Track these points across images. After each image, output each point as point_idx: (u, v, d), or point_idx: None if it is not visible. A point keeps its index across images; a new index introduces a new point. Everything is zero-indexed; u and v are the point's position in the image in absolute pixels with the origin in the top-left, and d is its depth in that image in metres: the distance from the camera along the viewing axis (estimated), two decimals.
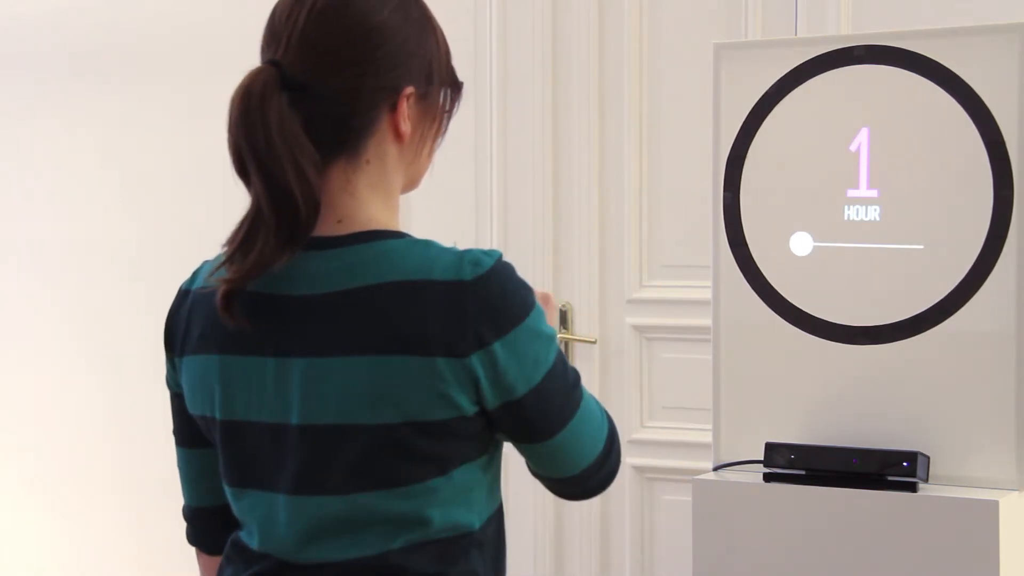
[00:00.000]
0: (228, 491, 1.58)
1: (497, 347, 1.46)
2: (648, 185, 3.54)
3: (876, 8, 3.21)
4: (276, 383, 1.51)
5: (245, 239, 1.48)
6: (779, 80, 2.48)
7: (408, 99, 1.54)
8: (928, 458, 2.35)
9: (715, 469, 2.53)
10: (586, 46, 3.60)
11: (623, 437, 3.41)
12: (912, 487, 2.33)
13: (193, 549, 1.72)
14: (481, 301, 1.46)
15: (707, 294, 2.59)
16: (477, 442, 1.52)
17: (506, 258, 1.51)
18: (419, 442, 1.47)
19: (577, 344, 3.62)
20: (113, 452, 4.24)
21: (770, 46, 2.68)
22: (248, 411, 1.52)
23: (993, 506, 2.25)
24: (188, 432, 1.64)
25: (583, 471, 1.58)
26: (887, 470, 2.34)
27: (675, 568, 3.46)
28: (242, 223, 1.49)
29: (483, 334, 1.46)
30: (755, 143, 2.50)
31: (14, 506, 4.42)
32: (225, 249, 1.50)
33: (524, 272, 1.56)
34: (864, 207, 2.42)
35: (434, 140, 1.61)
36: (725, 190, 2.52)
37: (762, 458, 2.44)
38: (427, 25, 1.58)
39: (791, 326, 2.47)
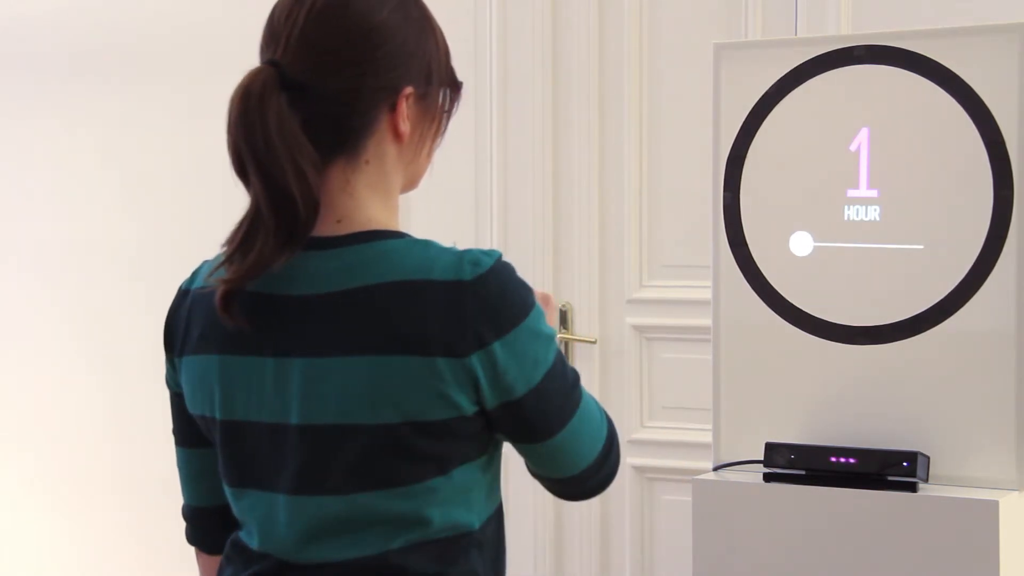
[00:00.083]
0: (228, 491, 1.58)
1: (497, 347, 1.46)
2: (648, 185, 3.54)
3: (876, 8, 3.21)
4: (275, 383, 1.51)
5: (244, 239, 1.48)
6: (779, 80, 2.48)
7: (407, 99, 1.54)
8: (928, 458, 2.35)
9: (715, 469, 2.53)
10: (586, 46, 3.60)
11: (623, 437, 3.41)
12: (912, 487, 2.33)
13: (193, 549, 1.72)
14: (481, 301, 1.46)
15: (707, 294, 2.59)
16: (477, 442, 1.52)
17: (506, 258, 1.51)
18: (419, 442, 1.47)
19: (577, 344, 3.62)
20: (113, 452, 4.24)
21: (770, 46, 2.68)
22: (248, 411, 1.52)
23: (993, 506, 2.25)
24: (188, 432, 1.64)
25: (582, 471, 1.58)
26: (887, 470, 2.34)
27: (675, 568, 3.46)
28: (241, 223, 1.49)
29: (483, 334, 1.46)
30: (755, 143, 2.50)
31: (14, 506, 4.42)
32: (224, 249, 1.50)
33: (524, 272, 1.56)
34: (864, 207, 2.42)
35: (433, 140, 1.61)
36: (725, 190, 2.52)
37: (762, 458, 2.44)
38: (426, 25, 1.58)
39: (791, 326, 2.47)
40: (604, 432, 1.59)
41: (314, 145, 1.49)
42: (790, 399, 2.48)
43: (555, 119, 3.65)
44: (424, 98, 1.57)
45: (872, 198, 2.42)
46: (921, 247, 2.39)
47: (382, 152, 1.55)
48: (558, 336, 3.04)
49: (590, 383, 3.56)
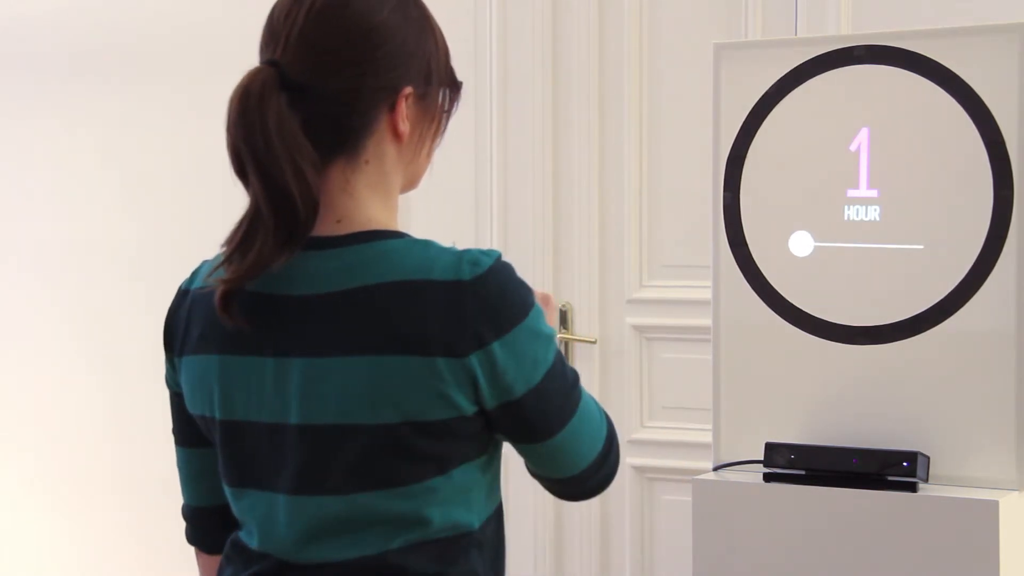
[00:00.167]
0: (227, 491, 1.58)
1: (496, 347, 1.46)
2: (648, 185, 3.54)
3: (876, 8, 3.21)
4: (275, 383, 1.51)
5: (244, 239, 1.48)
6: (779, 80, 2.48)
7: (407, 99, 1.54)
8: (928, 458, 2.35)
9: (715, 469, 2.53)
10: (586, 46, 3.60)
11: (623, 437, 3.41)
12: (912, 487, 2.33)
13: (193, 549, 1.72)
14: (480, 301, 1.46)
15: (707, 294, 2.59)
16: (476, 442, 1.52)
17: (506, 258, 1.51)
18: (419, 442, 1.47)
19: (577, 344, 3.62)
20: (113, 452, 4.24)
21: (770, 46, 2.68)
22: (247, 411, 1.52)
23: (993, 506, 2.25)
24: (188, 432, 1.64)
25: (582, 471, 1.58)
26: (887, 470, 2.34)
27: (675, 568, 3.46)
28: (241, 223, 1.49)
29: (482, 334, 1.46)
30: (755, 143, 2.50)
31: (14, 506, 4.42)
32: (224, 249, 1.50)
33: (524, 272, 1.56)
34: (864, 207, 2.42)
35: (433, 140, 1.61)
36: (725, 190, 2.52)
37: (762, 458, 2.44)
38: (426, 25, 1.58)
39: (791, 326, 2.47)
40: (604, 432, 1.59)
41: (314, 145, 1.49)
42: (790, 399, 2.48)
43: (555, 119, 3.64)
44: (424, 98, 1.57)
45: (872, 198, 2.42)
46: (921, 247, 2.39)
47: (382, 152, 1.55)
48: (558, 336, 3.04)
49: (590, 383, 3.56)
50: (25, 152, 4.35)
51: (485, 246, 3.23)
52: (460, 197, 3.72)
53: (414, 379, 1.45)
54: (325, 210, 1.52)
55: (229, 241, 1.49)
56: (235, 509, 1.58)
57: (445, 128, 1.62)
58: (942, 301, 2.36)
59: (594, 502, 3.51)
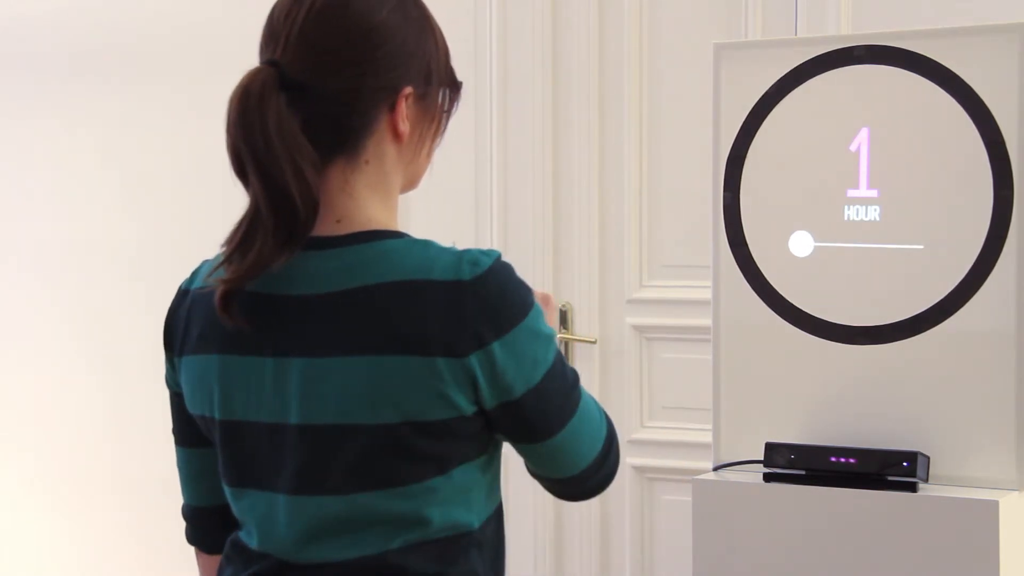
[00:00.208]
0: (227, 491, 1.58)
1: (496, 347, 1.46)
2: (648, 185, 3.54)
3: (876, 8, 3.21)
4: (275, 383, 1.51)
5: (243, 239, 1.48)
6: (779, 80, 2.48)
7: (407, 99, 1.54)
8: (928, 458, 2.35)
9: (715, 469, 2.53)
10: (586, 46, 3.60)
11: (623, 437, 3.41)
12: (912, 487, 2.33)
13: (193, 549, 1.72)
14: (480, 301, 1.46)
15: (707, 294, 2.59)
16: (476, 442, 1.52)
17: (506, 258, 1.51)
18: (419, 442, 1.47)
19: (577, 344, 3.62)
20: (113, 452, 4.24)
21: (770, 46, 2.68)
22: (247, 411, 1.52)
23: (993, 506, 2.25)
24: (188, 431, 1.64)
25: (582, 471, 1.58)
26: (887, 470, 2.34)
27: (675, 568, 3.46)
28: (240, 223, 1.49)
29: (482, 334, 1.46)
30: (755, 143, 2.50)
31: (14, 506, 4.42)
32: (224, 249, 1.50)
33: (524, 272, 1.56)
34: (864, 207, 2.42)
35: (433, 140, 1.61)
36: (725, 190, 2.52)
37: (762, 458, 2.44)
38: (426, 25, 1.58)
39: (791, 326, 2.47)
40: (604, 432, 1.59)
41: (313, 145, 1.49)
42: (790, 399, 2.48)
43: (555, 119, 3.64)
44: (424, 98, 1.57)
45: (872, 198, 2.42)
46: (921, 247, 2.39)
47: (381, 152, 1.55)
48: (558, 336, 3.04)
49: (590, 383, 3.56)
50: (25, 152, 4.35)
51: (485, 246, 3.23)
52: (460, 197, 3.72)
53: (414, 379, 1.45)
54: (325, 210, 1.52)
55: (229, 241, 1.50)
56: (235, 509, 1.58)
57: (445, 128, 1.62)
58: (942, 301, 2.36)
59: (594, 502, 3.51)
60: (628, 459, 3.48)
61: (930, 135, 2.38)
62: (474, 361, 1.46)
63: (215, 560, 1.66)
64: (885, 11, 3.19)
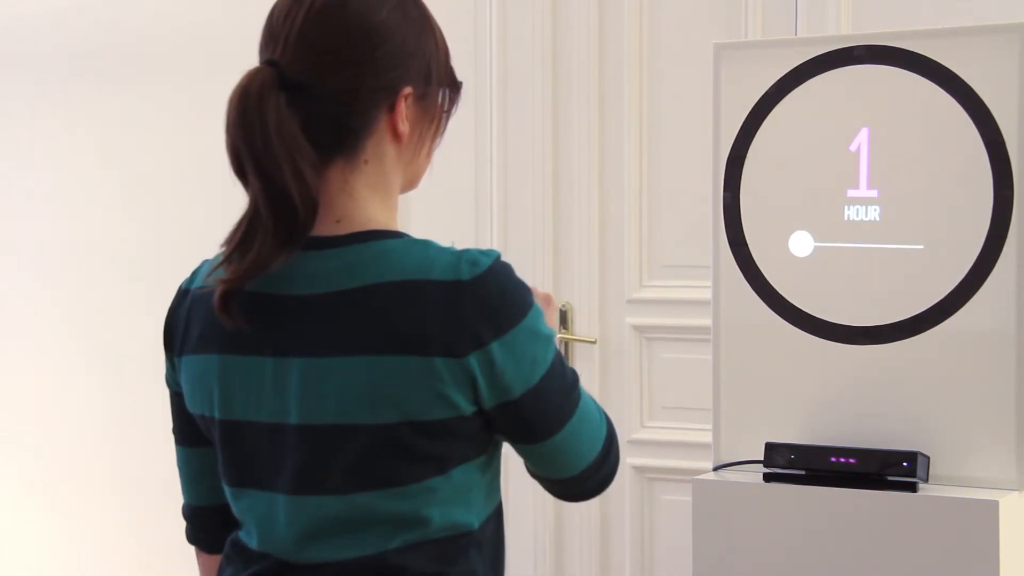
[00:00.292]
0: (227, 491, 1.58)
1: (495, 347, 1.46)
2: (648, 185, 3.54)
3: (876, 8, 3.21)
4: (275, 383, 1.51)
5: (243, 239, 1.48)
6: (779, 80, 2.48)
7: (406, 99, 1.54)
8: (928, 458, 2.35)
9: (715, 469, 2.53)
10: (586, 46, 3.60)
11: (623, 437, 3.41)
12: (912, 487, 2.33)
13: (193, 548, 1.72)
14: (479, 301, 1.46)
15: (707, 294, 2.59)
16: (476, 442, 1.52)
17: (506, 258, 1.51)
18: (418, 442, 1.47)
19: (577, 344, 3.62)
20: (113, 452, 4.24)
21: (770, 46, 2.68)
22: (247, 411, 1.52)
23: (993, 506, 2.25)
24: (188, 431, 1.64)
25: (582, 472, 1.58)
26: (887, 470, 2.34)
27: (675, 568, 3.46)
28: (240, 223, 1.49)
29: (481, 334, 1.46)
30: (755, 143, 2.50)
31: (14, 506, 4.42)
32: (223, 249, 1.50)
33: (524, 272, 1.56)
34: (864, 207, 2.42)
35: (433, 140, 1.61)
36: (725, 190, 2.52)
37: (762, 458, 2.44)
38: (426, 25, 1.58)
39: (791, 326, 2.47)
40: (603, 432, 1.59)
41: (313, 145, 1.49)
42: (790, 399, 2.48)
43: (555, 119, 3.65)
44: (423, 98, 1.57)
45: (872, 198, 2.42)
46: (921, 247, 2.39)
47: (381, 152, 1.55)
48: (558, 336, 3.04)
49: (590, 383, 3.56)
50: (25, 152, 4.35)
51: (485, 246, 3.23)
52: (460, 197, 3.72)
53: (413, 379, 1.45)
54: (324, 210, 1.52)
55: (229, 241, 1.50)
56: (235, 509, 1.59)
57: (445, 128, 1.62)
58: (942, 301, 2.36)
59: (594, 502, 3.51)
60: (628, 459, 3.48)
61: (930, 135, 2.38)
62: (473, 361, 1.46)
63: (215, 560, 1.66)
64: (885, 11, 3.19)
